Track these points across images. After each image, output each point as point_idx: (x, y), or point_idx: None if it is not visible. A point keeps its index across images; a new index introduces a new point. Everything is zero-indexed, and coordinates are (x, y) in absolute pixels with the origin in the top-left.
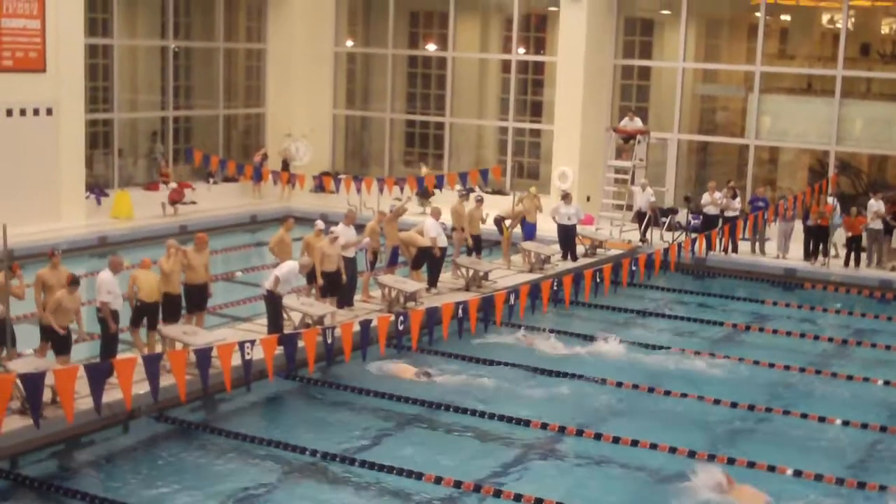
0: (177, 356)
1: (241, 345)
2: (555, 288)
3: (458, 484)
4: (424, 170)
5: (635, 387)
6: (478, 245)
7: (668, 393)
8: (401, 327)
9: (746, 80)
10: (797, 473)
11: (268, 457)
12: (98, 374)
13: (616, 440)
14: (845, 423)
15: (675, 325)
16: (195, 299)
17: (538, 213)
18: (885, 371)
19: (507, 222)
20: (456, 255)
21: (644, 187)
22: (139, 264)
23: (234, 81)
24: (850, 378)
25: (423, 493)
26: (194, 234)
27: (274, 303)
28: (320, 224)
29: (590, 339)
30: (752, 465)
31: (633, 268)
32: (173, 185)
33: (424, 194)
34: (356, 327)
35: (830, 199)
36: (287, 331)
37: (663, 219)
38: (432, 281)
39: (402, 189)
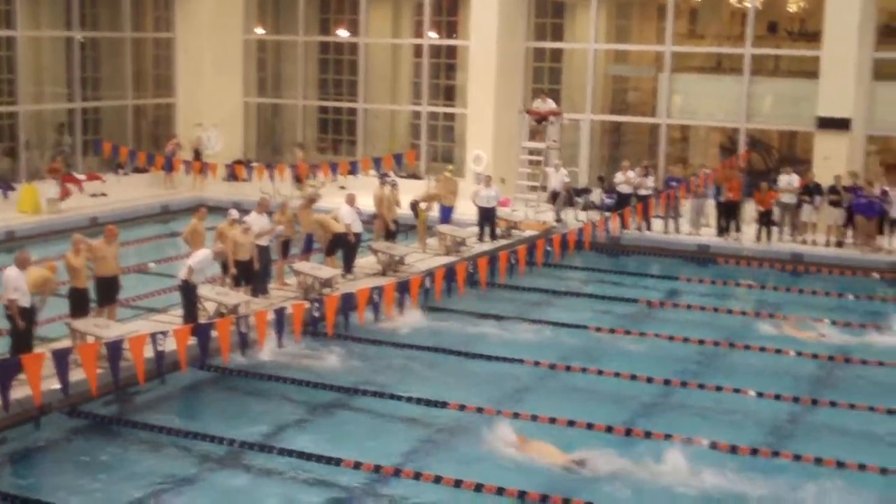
0: (87, 350)
1: (154, 336)
2: (470, 270)
3: (377, 468)
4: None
5: (552, 366)
6: (394, 229)
7: (584, 370)
8: (316, 314)
9: (657, 60)
10: (713, 445)
11: (185, 448)
12: (4, 371)
13: (534, 418)
14: (759, 395)
15: (591, 303)
16: (106, 292)
17: (455, 196)
18: (797, 343)
19: (423, 206)
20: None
21: (558, 168)
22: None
23: (142, 71)
24: (762, 350)
25: (343, 479)
26: (105, 227)
27: (189, 292)
28: (234, 213)
29: (506, 319)
30: (668, 436)
31: (548, 248)
32: (81, 177)
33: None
34: (271, 315)
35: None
36: (202, 321)
37: (577, 199)
38: (347, 267)
39: (315, 176)
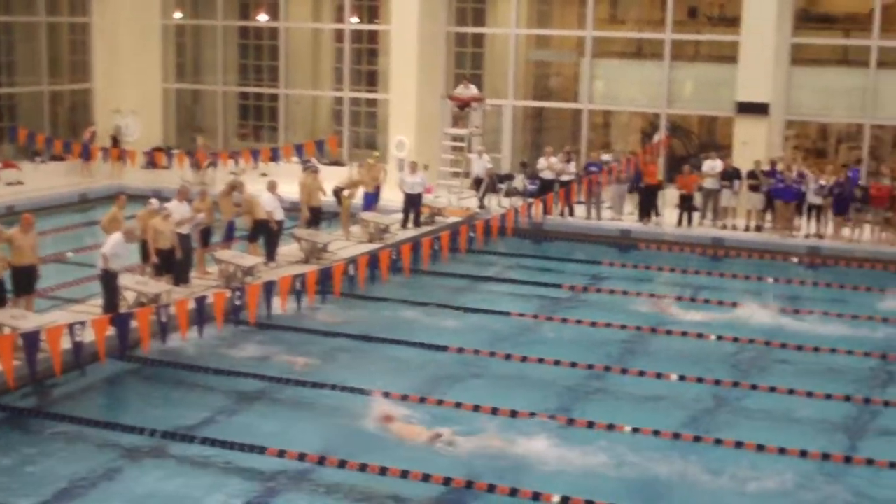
0: (3, 341)
1: (71, 327)
2: (394, 257)
3: (301, 456)
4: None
5: (476, 352)
6: (317, 217)
7: (508, 357)
8: (238, 303)
9: (578, 46)
10: (635, 430)
11: (106, 439)
12: None
13: (458, 405)
14: (681, 378)
15: (515, 289)
16: (23, 282)
17: (378, 182)
18: (718, 326)
19: (346, 193)
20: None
21: (481, 154)
22: None
23: (58, 56)
24: (684, 334)
25: (268, 467)
26: (21, 215)
27: (109, 281)
28: (154, 202)
29: (430, 306)
30: (591, 425)
31: (471, 234)
32: None
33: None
34: (192, 304)
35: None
36: (122, 310)
37: (500, 185)
38: (270, 255)
39: (237, 162)
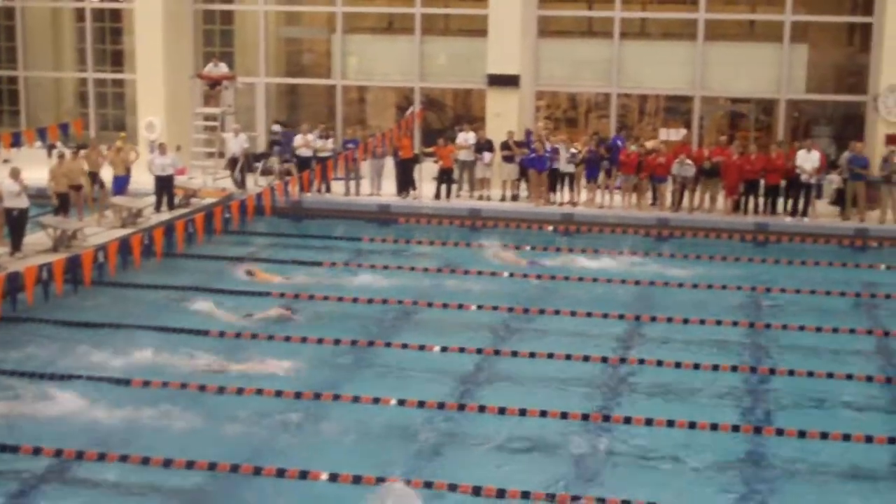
0: None
1: None
2: (146, 242)
3: (58, 453)
4: None
5: (238, 335)
6: (65, 204)
7: (271, 338)
8: None
9: (329, 22)
10: (401, 402)
11: None
12: None
13: (202, 388)
14: (444, 350)
15: (276, 268)
16: None
17: (126, 166)
18: (477, 297)
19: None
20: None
21: (237, 133)
22: None
23: None
24: (445, 306)
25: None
26: None
27: None
28: None
29: (186, 289)
30: (357, 398)
31: (227, 215)
32: None
33: None
34: None
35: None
36: None
37: (256, 164)
38: (15, 245)
39: None
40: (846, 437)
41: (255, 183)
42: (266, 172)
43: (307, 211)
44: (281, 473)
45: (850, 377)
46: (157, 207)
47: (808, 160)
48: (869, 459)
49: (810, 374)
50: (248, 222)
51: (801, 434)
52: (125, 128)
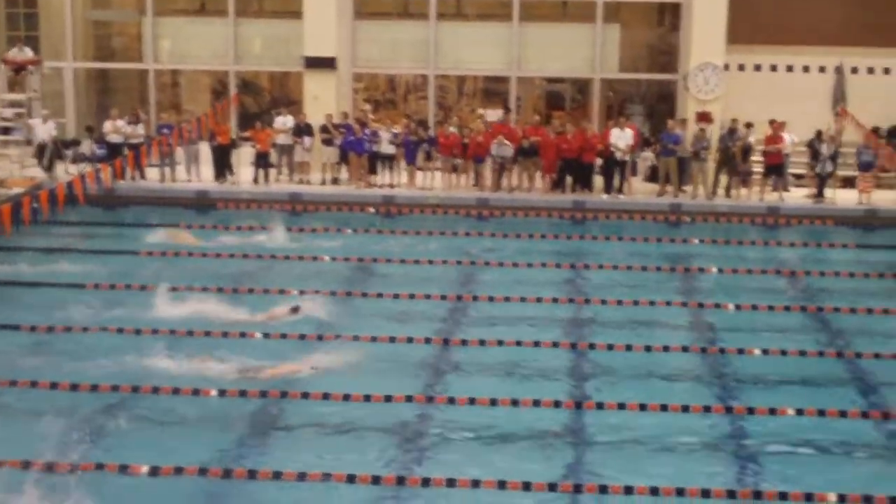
0: None
1: None
2: None
3: None
4: None
5: (50, 329)
6: None
7: (85, 329)
8: None
9: (139, 4)
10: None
11: None
12: None
13: (13, 383)
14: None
15: (87, 259)
16: None
17: None
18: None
19: None
20: None
21: (46, 119)
22: None
23: None
24: (277, 291)
25: None
26: None
27: None
28: None
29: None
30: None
31: (36, 205)
32: None
33: None
34: None
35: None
36: None
37: (67, 151)
38: None
39: None
40: (663, 408)
41: (66, 171)
42: (77, 159)
43: (121, 199)
44: None
45: (666, 349)
46: None
47: (621, 138)
48: (685, 429)
49: (629, 347)
50: (58, 212)
51: (621, 406)
52: None
